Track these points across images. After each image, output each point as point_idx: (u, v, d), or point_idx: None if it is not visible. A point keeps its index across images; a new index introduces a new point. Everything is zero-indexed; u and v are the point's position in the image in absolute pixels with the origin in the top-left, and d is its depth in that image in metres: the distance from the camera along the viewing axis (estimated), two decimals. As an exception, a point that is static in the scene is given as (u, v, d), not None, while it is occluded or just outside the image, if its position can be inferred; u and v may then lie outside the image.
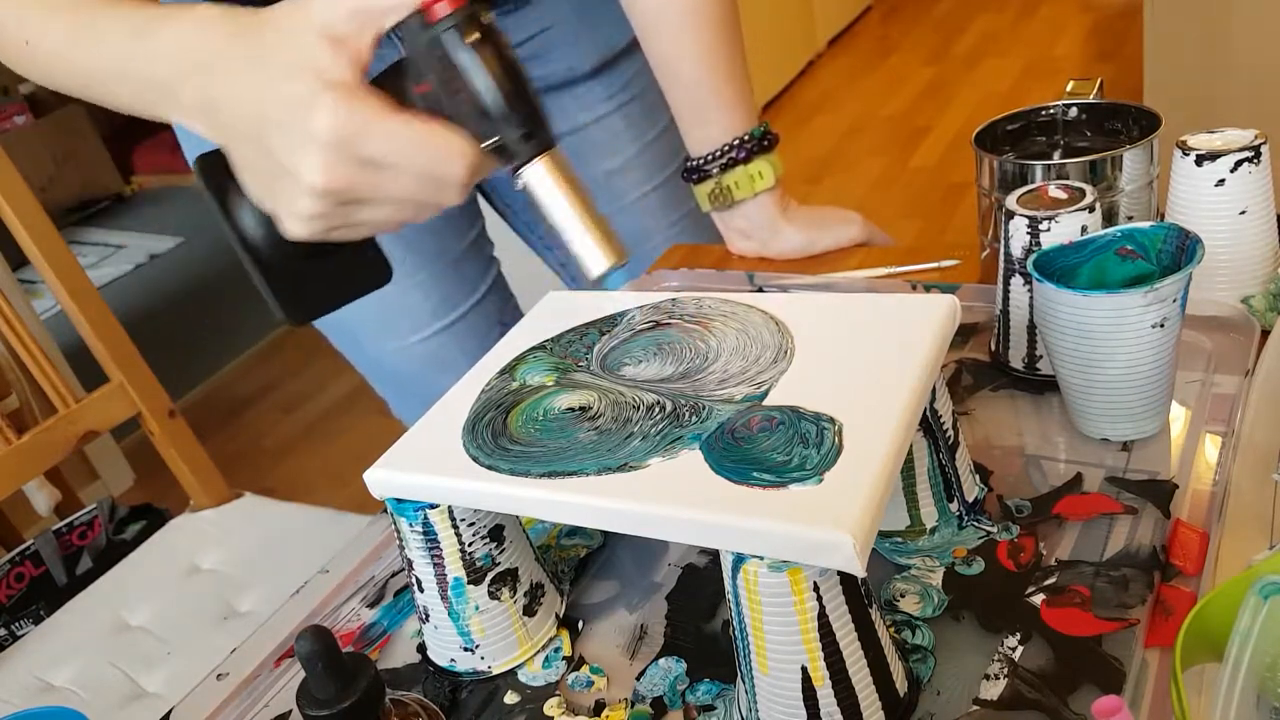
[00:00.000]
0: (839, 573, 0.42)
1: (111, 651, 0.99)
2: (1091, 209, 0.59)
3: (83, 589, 1.08)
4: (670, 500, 0.44)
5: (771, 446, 0.45)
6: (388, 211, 0.51)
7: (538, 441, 0.51)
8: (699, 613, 0.55)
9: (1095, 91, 0.75)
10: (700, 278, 0.85)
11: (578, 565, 0.60)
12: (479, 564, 0.52)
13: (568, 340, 0.59)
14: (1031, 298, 0.62)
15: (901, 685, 0.46)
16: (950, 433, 0.54)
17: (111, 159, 4.14)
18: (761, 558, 0.42)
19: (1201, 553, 0.49)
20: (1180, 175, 0.64)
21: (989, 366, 0.68)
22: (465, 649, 0.54)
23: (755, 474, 0.44)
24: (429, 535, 0.52)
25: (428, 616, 0.54)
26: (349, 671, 0.38)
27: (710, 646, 0.53)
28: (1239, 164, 0.61)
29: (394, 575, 0.64)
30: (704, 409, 0.50)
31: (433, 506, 0.51)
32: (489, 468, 0.50)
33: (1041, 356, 0.64)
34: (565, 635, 0.56)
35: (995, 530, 0.54)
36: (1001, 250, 0.63)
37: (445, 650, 0.55)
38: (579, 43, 0.90)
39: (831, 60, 3.75)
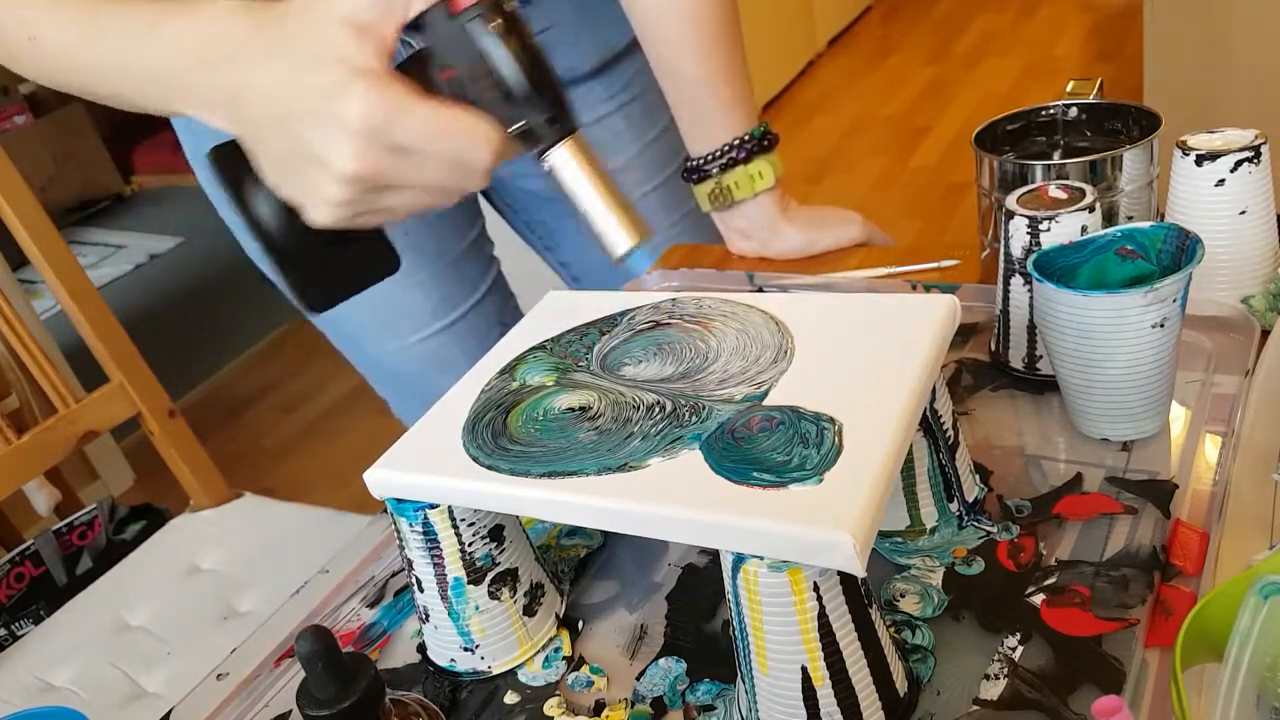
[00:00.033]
0: (839, 573, 0.42)
1: (111, 651, 0.99)
2: (1091, 209, 0.59)
3: (83, 589, 1.08)
4: (670, 500, 0.44)
5: (771, 446, 0.45)
6: (412, 197, 0.51)
7: (538, 441, 0.51)
8: (699, 613, 0.55)
9: (1095, 91, 0.75)
10: (700, 278, 0.85)
11: (578, 565, 0.60)
12: (479, 564, 0.52)
13: (568, 340, 0.59)
14: (1031, 298, 0.62)
15: (901, 685, 0.46)
16: (950, 433, 0.54)
17: (111, 159, 4.14)
18: (761, 558, 0.42)
19: (1201, 553, 0.49)
20: (1180, 175, 0.64)
21: (989, 366, 0.68)
22: (465, 649, 0.54)
23: (755, 474, 0.44)
24: (429, 535, 0.52)
25: (428, 616, 0.54)
26: (349, 671, 0.38)
27: (710, 646, 0.53)
28: (1239, 164, 0.61)
29: (394, 575, 0.64)
30: (704, 409, 0.50)
31: (433, 506, 0.51)
32: (489, 468, 0.50)
33: (1041, 356, 0.64)
34: (565, 635, 0.56)
35: (995, 530, 0.54)
36: (1001, 250, 0.63)
37: (445, 650, 0.55)
38: (579, 43, 0.90)
39: (831, 60, 3.75)
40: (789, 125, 3.26)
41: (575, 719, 0.51)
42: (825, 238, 0.88)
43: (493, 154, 0.49)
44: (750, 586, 0.42)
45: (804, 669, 0.43)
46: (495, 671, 0.54)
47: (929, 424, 0.52)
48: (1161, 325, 0.53)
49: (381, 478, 0.52)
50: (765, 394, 0.49)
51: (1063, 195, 0.61)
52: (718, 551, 0.44)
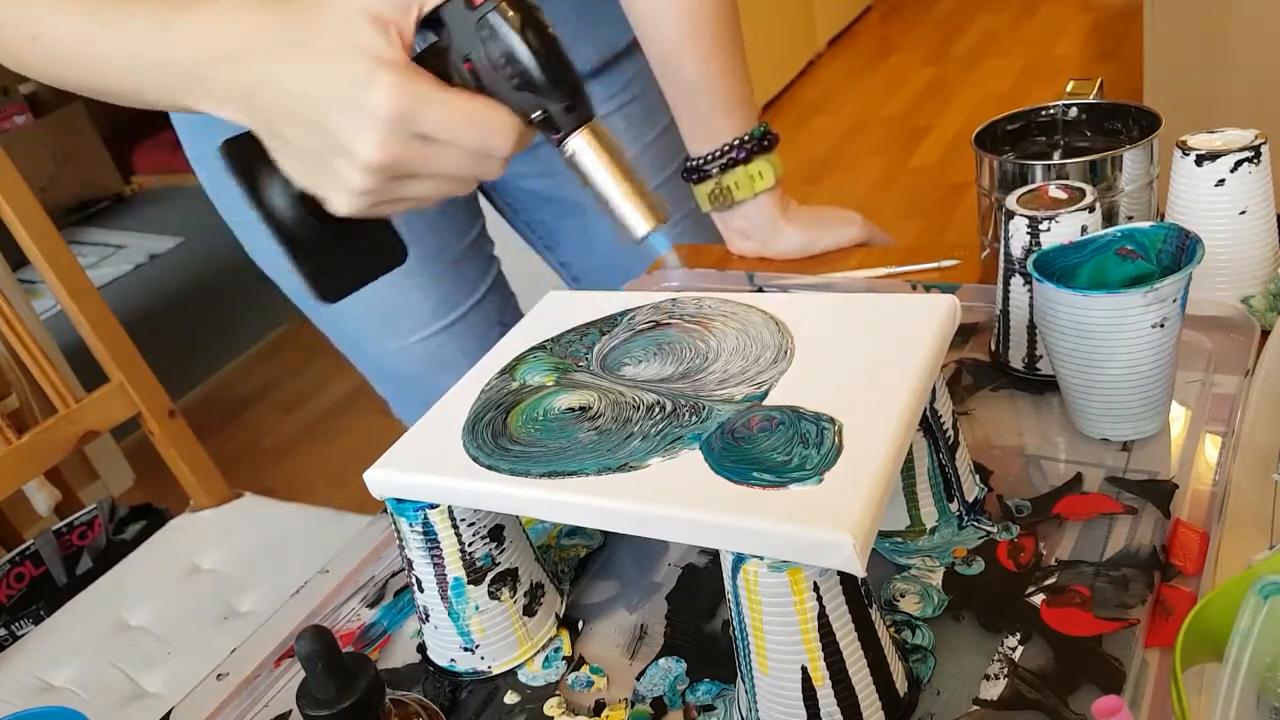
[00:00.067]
0: (839, 573, 0.42)
1: (111, 651, 0.99)
2: (1091, 209, 0.59)
3: (83, 589, 1.08)
4: (670, 500, 0.44)
5: (771, 446, 0.45)
6: (433, 186, 0.52)
7: (538, 441, 0.51)
8: (699, 613, 0.55)
9: (1095, 91, 0.75)
10: (700, 278, 0.85)
11: (578, 565, 0.60)
12: (479, 564, 0.52)
13: (568, 340, 0.59)
14: (1031, 298, 0.62)
15: (901, 685, 0.46)
16: (950, 433, 0.54)
17: (111, 159, 4.14)
18: (761, 558, 0.42)
19: (1201, 553, 0.49)
20: (1180, 175, 0.64)
21: (989, 366, 0.68)
22: (465, 649, 0.54)
23: (755, 474, 0.44)
24: (429, 535, 0.52)
25: (428, 616, 0.54)
26: (349, 671, 0.38)
27: (710, 646, 0.53)
28: (1239, 164, 0.61)
29: (394, 575, 0.64)
30: (704, 409, 0.50)
31: (433, 506, 0.51)
32: (489, 468, 0.50)
33: (1041, 356, 0.64)
34: (565, 635, 0.56)
35: (995, 530, 0.54)
36: (1001, 250, 0.63)
37: (445, 650, 0.55)
38: (579, 43, 0.90)
39: (831, 60, 3.75)
40: (789, 125, 3.26)
41: (575, 719, 0.51)
42: (825, 238, 0.88)
43: (513, 142, 0.50)
44: (750, 586, 0.42)
45: (804, 669, 0.43)
46: (495, 671, 0.54)
47: (929, 424, 0.52)
48: (1161, 325, 0.53)
49: (381, 478, 0.52)
50: (765, 394, 0.49)
51: (1063, 195, 0.61)
52: (718, 551, 0.44)
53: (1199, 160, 0.62)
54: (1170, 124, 0.69)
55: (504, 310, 1.01)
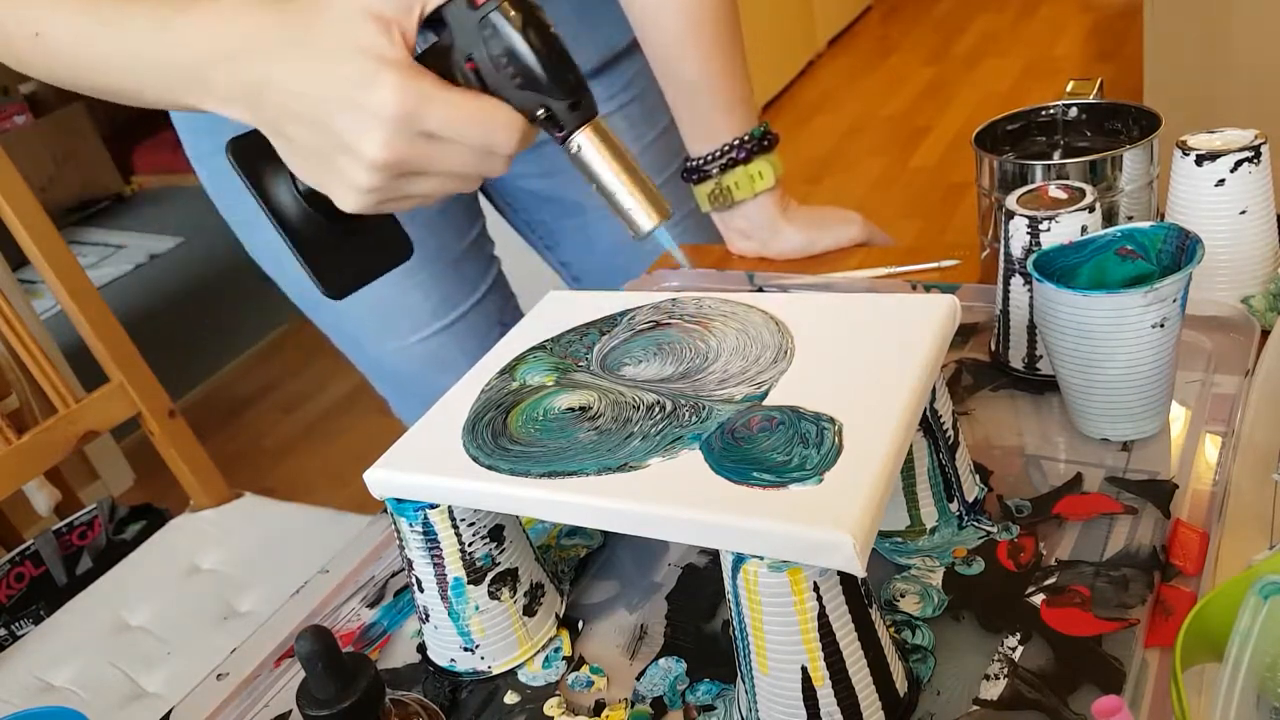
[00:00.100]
0: (839, 573, 0.42)
1: (111, 651, 0.99)
2: (1091, 209, 0.59)
3: (83, 589, 1.08)
4: (670, 500, 0.44)
5: (771, 446, 0.45)
6: (439, 183, 0.52)
7: (538, 441, 0.51)
8: (699, 613, 0.55)
9: (1095, 91, 0.75)
10: (700, 278, 0.85)
11: (578, 565, 0.60)
12: (479, 564, 0.52)
13: (568, 340, 0.59)
14: (1031, 298, 0.62)
15: (901, 685, 0.46)
16: (950, 433, 0.54)
17: (111, 159, 4.15)
18: (761, 558, 0.42)
19: (1201, 553, 0.49)
20: (1180, 175, 0.64)
21: (989, 366, 0.68)
22: (465, 649, 0.54)
23: (755, 474, 0.44)
24: (429, 535, 0.52)
25: (428, 616, 0.54)
26: (349, 671, 0.38)
27: (710, 646, 0.53)
28: (1239, 164, 0.61)
29: (394, 575, 0.64)
30: (704, 409, 0.50)
31: (433, 506, 0.51)
32: (489, 468, 0.50)
33: (1041, 356, 0.64)
34: (565, 635, 0.56)
35: (995, 530, 0.54)
36: (1001, 250, 0.63)
37: (445, 650, 0.55)
38: (579, 43, 0.89)
39: (831, 60, 3.75)
40: (789, 125, 3.26)
41: (575, 719, 0.51)
42: (825, 238, 0.88)
43: (517, 139, 0.50)
44: (750, 586, 0.42)
45: (804, 669, 0.43)
46: (495, 671, 0.54)
47: (929, 424, 0.52)
48: (1161, 325, 0.53)
49: (381, 478, 0.52)
50: (765, 394, 0.49)
51: (1063, 195, 0.61)
52: (718, 551, 0.44)
53: (1199, 160, 0.62)
54: (1170, 124, 0.69)
55: (504, 310, 1.01)
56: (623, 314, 0.61)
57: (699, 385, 0.52)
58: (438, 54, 0.51)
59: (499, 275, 1.02)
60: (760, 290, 0.79)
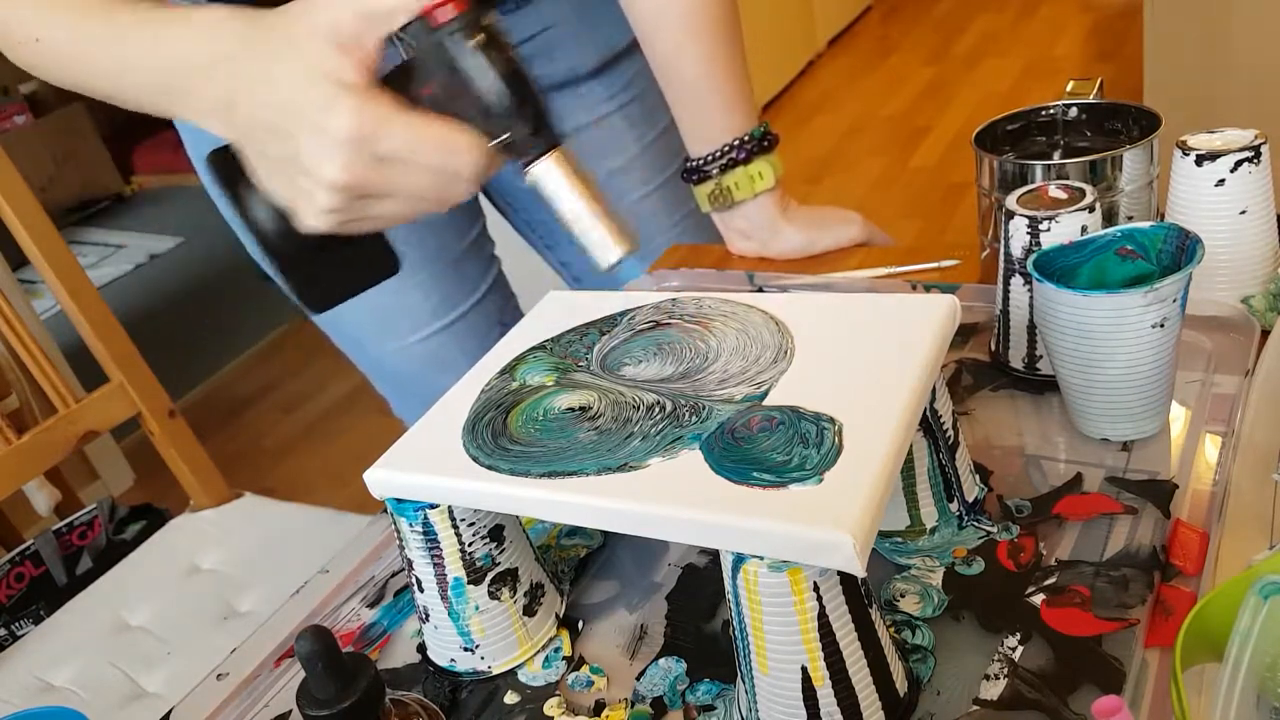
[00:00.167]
0: (839, 573, 0.42)
1: (111, 651, 0.99)
2: (1091, 209, 0.59)
3: (83, 589, 1.08)
4: (670, 500, 0.44)
5: (771, 446, 0.45)
6: (401, 205, 0.52)
7: (538, 441, 0.51)
8: (699, 613, 0.55)
9: (1095, 91, 0.75)
10: (700, 278, 0.85)
11: (578, 565, 0.60)
12: (479, 564, 0.52)
13: (568, 340, 0.59)
14: (1031, 298, 0.62)
15: (901, 685, 0.46)
16: (950, 433, 0.54)
17: (111, 159, 4.14)
18: (761, 558, 0.42)
19: (1201, 553, 0.49)
20: (1180, 175, 0.64)
21: (989, 366, 0.68)
22: (465, 649, 0.54)
23: (755, 474, 0.44)
24: (429, 535, 0.52)
25: (428, 616, 0.54)
26: (349, 671, 0.38)
27: (710, 646, 0.53)
28: (1239, 164, 0.61)
29: (394, 575, 0.64)
30: (704, 409, 0.50)
31: (433, 506, 0.51)
32: (489, 468, 0.50)
33: (1041, 356, 0.64)
34: (565, 635, 0.56)
35: (995, 530, 0.54)
36: (1001, 250, 0.63)
37: (445, 650, 0.55)
38: (580, 43, 0.90)
39: (831, 60, 3.75)
40: (789, 125, 3.26)
41: (575, 719, 0.51)
42: (825, 238, 0.88)
43: (477, 165, 0.50)
44: (750, 586, 0.42)
45: (804, 669, 0.43)
46: (495, 671, 0.54)
47: (929, 424, 0.52)
48: (1161, 325, 0.53)
49: (381, 478, 0.52)
50: (765, 394, 0.49)
51: (1063, 195, 0.61)
52: (718, 551, 0.44)
53: (1199, 160, 0.62)
54: (1170, 124, 0.69)
55: (504, 310, 1.01)
56: (623, 314, 0.61)
57: (699, 385, 0.52)
58: (402, 76, 0.51)
59: (499, 275, 1.02)
60: (760, 290, 0.79)
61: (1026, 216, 0.60)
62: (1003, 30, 3.60)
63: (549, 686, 0.53)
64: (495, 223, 1.03)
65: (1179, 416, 0.59)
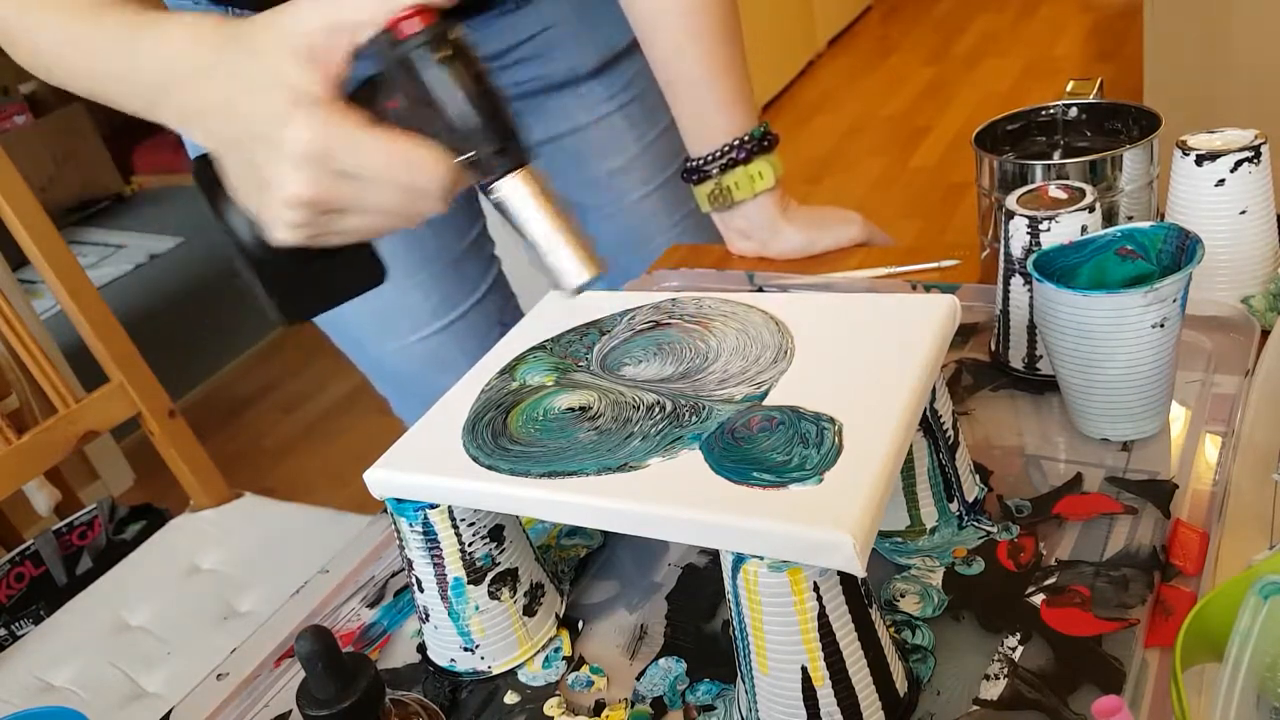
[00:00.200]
0: (839, 573, 0.42)
1: (111, 651, 0.99)
2: (1091, 209, 0.59)
3: (83, 589, 1.08)
4: (670, 500, 0.44)
5: (771, 446, 0.45)
6: (369, 220, 0.52)
7: (538, 441, 0.51)
8: (699, 613, 0.55)
9: (1095, 91, 0.75)
10: (700, 278, 0.85)
11: (578, 565, 0.60)
12: (479, 564, 0.52)
13: (568, 340, 0.59)
14: (1031, 298, 0.62)
15: (901, 685, 0.46)
16: (950, 433, 0.54)
17: (111, 159, 4.14)
18: (761, 558, 0.42)
19: (1201, 553, 0.49)
20: (1180, 175, 0.64)
21: (989, 366, 0.68)
22: (465, 649, 0.54)
23: (755, 474, 0.44)
24: (429, 535, 0.52)
25: (428, 616, 0.54)
26: (349, 671, 0.38)
27: (710, 646, 0.53)
28: (1239, 164, 0.61)
29: (394, 575, 0.64)
30: (704, 409, 0.50)
31: (433, 506, 0.51)
32: (489, 468, 0.50)
33: (1041, 356, 0.64)
34: (565, 635, 0.56)
35: (995, 530, 0.54)
36: (1001, 250, 0.63)
37: (445, 650, 0.55)
38: (580, 42, 0.90)
39: (831, 60, 3.75)
40: (789, 125, 3.26)
41: (575, 719, 0.51)
42: (825, 238, 0.88)
43: (442, 181, 0.49)
44: (750, 586, 0.42)
45: (804, 669, 0.43)
46: (495, 671, 0.54)
47: (929, 424, 0.52)
48: (1161, 325, 0.53)
49: (381, 478, 0.52)
50: (765, 394, 0.49)
51: (1063, 195, 0.61)
52: (718, 551, 0.44)
53: (1199, 160, 0.62)
54: (1170, 124, 0.69)
55: (504, 310, 1.01)
56: (623, 314, 0.61)
57: (699, 385, 0.52)
58: (370, 90, 0.50)
59: (499, 275, 1.02)
60: (760, 290, 0.79)
61: (1026, 216, 0.60)
62: (1003, 30, 3.60)
63: (549, 686, 0.53)
64: (495, 223, 1.03)
65: (1179, 416, 0.59)
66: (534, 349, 0.59)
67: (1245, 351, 0.60)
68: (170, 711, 0.57)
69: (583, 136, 0.93)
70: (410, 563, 0.53)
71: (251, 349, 2.83)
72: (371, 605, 0.62)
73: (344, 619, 0.62)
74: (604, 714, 0.51)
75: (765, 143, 0.84)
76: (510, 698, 0.53)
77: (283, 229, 0.51)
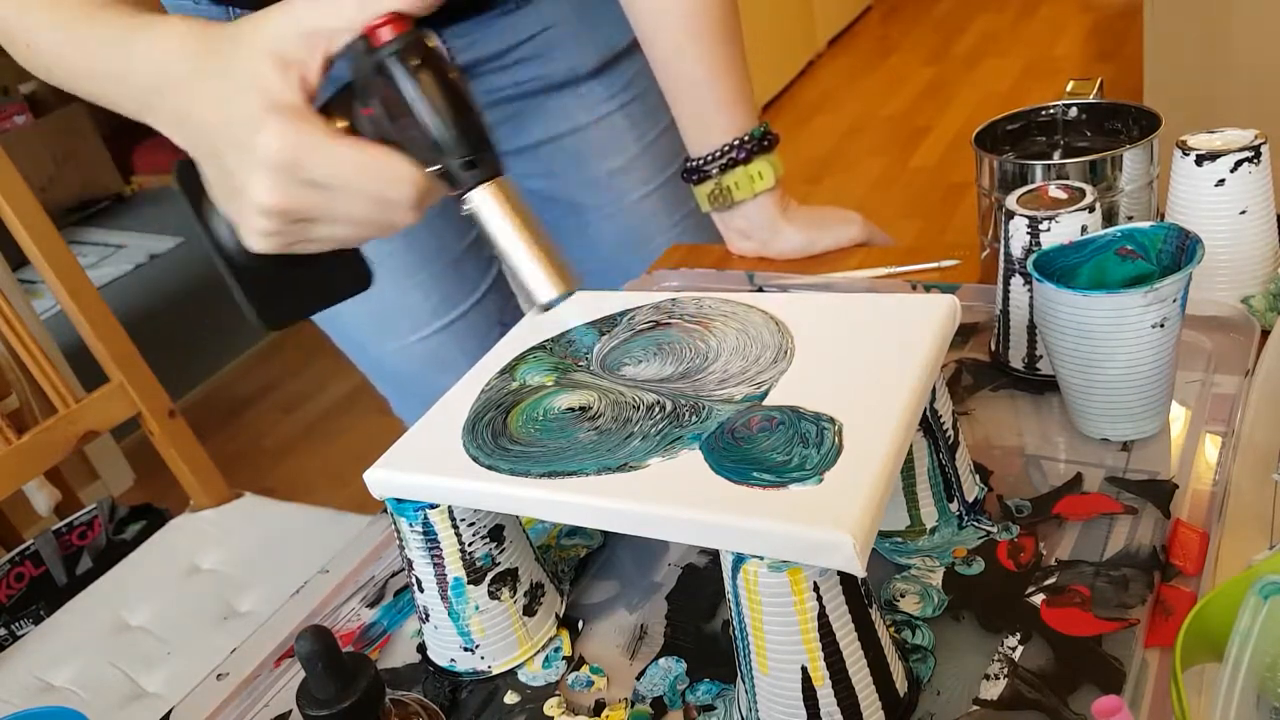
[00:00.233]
0: (839, 573, 0.42)
1: (111, 651, 0.99)
2: (1091, 209, 0.59)
3: (83, 589, 1.08)
4: (670, 500, 0.44)
5: (771, 446, 0.45)
6: (341, 229, 0.51)
7: (538, 441, 0.51)
8: (699, 613, 0.55)
9: (1095, 91, 0.75)
10: (700, 278, 0.85)
11: (578, 565, 0.60)
12: (479, 564, 0.52)
13: (568, 340, 0.59)
14: (1031, 298, 0.62)
15: (901, 685, 0.46)
16: (950, 433, 0.54)
17: (111, 159, 4.14)
18: (761, 558, 0.42)
19: (1201, 553, 0.49)
20: (1180, 175, 0.64)
21: (989, 366, 0.68)
22: (465, 649, 0.54)
23: (755, 474, 0.44)
24: (429, 535, 0.52)
25: (428, 616, 0.54)
26: (349, 671, 0.38)
27: (710, 646, 0.53)
28: (1239, 164, 0.61)
29: (394, 575, 0.64)
30: (704, 409, 0.50)
31: (433, 506, 0.51)
32: (489, 468, 0.50)
33: (1041, 356, 0.64)
34: (565, 635, 0.56)
35: (995, 530, 0.54)
36: (1001, 250, 0.63)
37: (445, 650, 0.55)
38: (580, 42, 0.90)
39: (831, 60, 3.75)
40: (789, 125, 3.26)
41: (575, 719, 0.51)
42: (825, 238, 0.88)
43: (412, 193, 0.49)
44: (750, 586, 0.42)
45: (804, 669, 0.43)
46: (495, 671, 0.54)
47: (929, 424, 0.52)
48: (1161, 325, 0.53)
49: (381, 478, 0.52)
50: (765, 394, 0.49)
51: (1063, 195, 0.61)
52: (718, 551, 0.44)
53: (1199, 160, 0.62)
54: (1170, 124, 0.69)
55: (504, 310, 1.01)
56: (623, 314, 0.61)
57: (699, 385, 0.52)
58: (346, 97, 0.50)
59: (499, 275, 1.02)
60: (760, 290, 0.79)
61: (1026, 216, 0.60)
62: (1003, 30, 3.60)
63: (549, 686, 0.53)
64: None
65: (1179, 416, 0.59)
66: (534, 349, 0.60)
67: (1245, 351, 0.60)
68: (170, 711, 0.57)
69: (583, 136, 0.93)
70: (410, 563, 0.53)
71: (251, 349, 2.83)
72: (371, 605, 0.62)
73: (344, 619, 0.62)
74: (604, 714, 0.51)
75: (765, 143, 0.84)
76: (510, 698, 0.53)
77: (255, 236, 0.51)
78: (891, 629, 0.50)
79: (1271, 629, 0.36)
